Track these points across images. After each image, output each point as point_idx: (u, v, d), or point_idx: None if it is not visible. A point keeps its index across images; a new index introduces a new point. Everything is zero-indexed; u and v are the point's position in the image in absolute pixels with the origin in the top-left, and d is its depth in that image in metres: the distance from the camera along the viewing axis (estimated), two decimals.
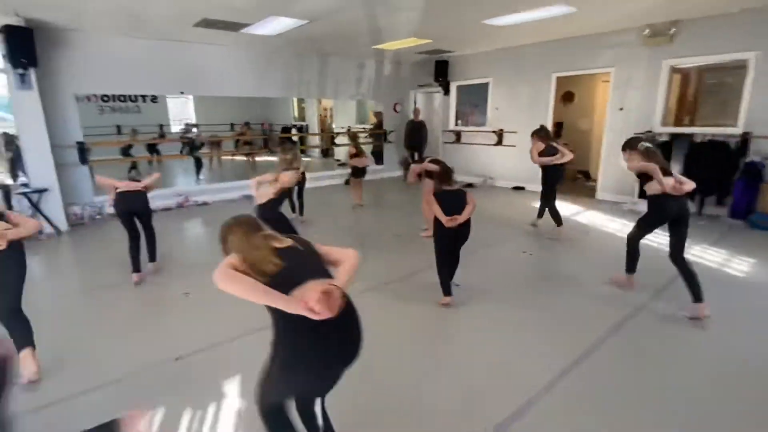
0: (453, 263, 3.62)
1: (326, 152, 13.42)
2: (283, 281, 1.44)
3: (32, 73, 5.09)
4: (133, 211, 3.77)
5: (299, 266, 1.55)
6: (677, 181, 3.03)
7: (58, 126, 5.71)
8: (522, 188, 8.02)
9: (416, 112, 9.20)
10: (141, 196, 3.78)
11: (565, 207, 6.12)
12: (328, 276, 1.55)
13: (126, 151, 10.13)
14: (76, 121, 5.99)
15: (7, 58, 4.81)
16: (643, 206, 3.64)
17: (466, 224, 3.39)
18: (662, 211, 3.14)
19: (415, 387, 2.37)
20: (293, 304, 1.36)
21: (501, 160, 8.31)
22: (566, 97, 8.67)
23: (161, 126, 12.73)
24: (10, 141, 5.58)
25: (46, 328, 2.74)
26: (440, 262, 3.46)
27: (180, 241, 5.49)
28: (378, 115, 10.29)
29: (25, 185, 5.37)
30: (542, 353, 2.67)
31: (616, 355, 2.65)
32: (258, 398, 1.64)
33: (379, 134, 9.97)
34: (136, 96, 12.35)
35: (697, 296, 3.02)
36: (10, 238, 2.25)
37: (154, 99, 12.95)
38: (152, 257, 4.06)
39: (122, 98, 12.32)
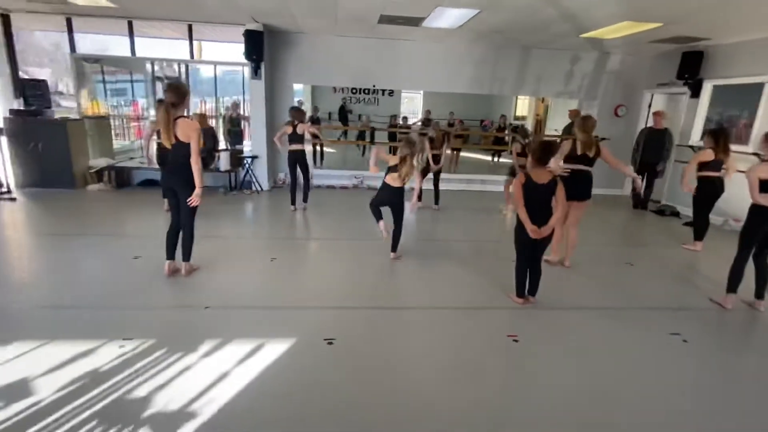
0: (533, 272, 3.32)
1: None
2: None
3: (262, 67, 6.62)
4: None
5: (171, 156, 3.34)
6: None
7: (277, 108, 7.27)
8: None
9: (658, 116, 6.78)
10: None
11: None
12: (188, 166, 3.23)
13: (361, 135, 12.07)
14: (290, 104, 7.45)
15: (245, 54, 6.39)
16: None
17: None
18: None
19: None
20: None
21: None
22: None
23: (392, 116, 14.28)
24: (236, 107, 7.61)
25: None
26: (520, 263, 3.32)
27: (318, 215, 6.13)
28: (574, 113, 8.50)
29: (248, 151, 7.14)
30: None
31: None
32: None
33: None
34: (376, 89, 14.31)
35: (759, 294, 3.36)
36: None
37: (390, 93, 14.67)
38: (304, 198, 5.98)
39: (365, 91, 14.49)
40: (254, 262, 4.06)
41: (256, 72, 6.64)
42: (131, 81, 11.23)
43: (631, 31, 5.78)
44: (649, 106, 7.90)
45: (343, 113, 13.82)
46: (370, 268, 4.03)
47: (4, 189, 5.92)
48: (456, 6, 5.02)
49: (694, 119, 6.91)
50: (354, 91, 14.43)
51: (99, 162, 6.80)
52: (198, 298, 3.25)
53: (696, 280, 4.12)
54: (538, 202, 3.08)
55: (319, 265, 4.08)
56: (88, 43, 8.73)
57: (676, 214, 6.82)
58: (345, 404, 2.18)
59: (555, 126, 11.32)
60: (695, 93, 6.84)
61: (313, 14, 5.78)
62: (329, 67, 7.30)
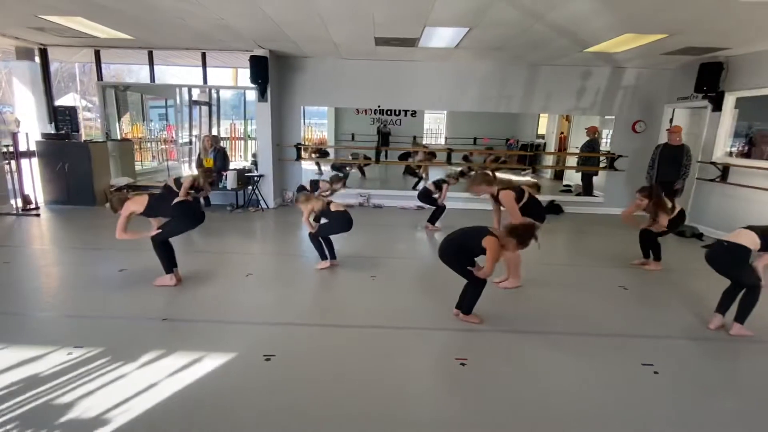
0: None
1: (561, 174, 11.83)
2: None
3: (268, 90, 6.89)
4: None
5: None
6: None
7: (285, 130, 7.52)
8: None
9: (674, 132, 6.32)
10: None
11: None
12: None
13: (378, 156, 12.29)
14: (299, 127, 7.69)
15: (251, 78, 6.69)
16: None
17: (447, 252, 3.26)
18: None
19: None
20: None
21: None
22: None
23: (414, 137, 14.36)
24: None
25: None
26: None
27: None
28: (592, 130, 8.23)
29: (256, 170, 7.40)
30: None
31: None
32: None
33: (592, 156, 8.14)
34: (399, 110, 14.49)
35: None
36: None
37: (413, 114, 14.78)
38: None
39: (387, 112, 14.69)
40: (230, 277, 4.14)
41: (262, 95, 6.92)
42: (165, 106, 12.03)
43: (636, 43, 5.55)
44: (671, 121, 7.46)
45: (381, 135, 14.46)
46: (337, 285, 4.01)
47: (32, 206, 6.46)
48: (443, 25, 5.03)
49: (715, 134, 6.44)
50: (377, 112, 14.68)
51: (120, 180, 7.27)
52: (161, 309, 3.35)
53: (695, 307, 3.74)
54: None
55: (290, 281, 4.10)
56: (144, 74, 9.57)
57: (698, 236, 6.30)
58: (259, 420, 2.14)
59: (578, 143, 10.94)
60: (717, 106, 6.39)
61: (310, 40, 5.99)
62: (335, 89, 7.49)
